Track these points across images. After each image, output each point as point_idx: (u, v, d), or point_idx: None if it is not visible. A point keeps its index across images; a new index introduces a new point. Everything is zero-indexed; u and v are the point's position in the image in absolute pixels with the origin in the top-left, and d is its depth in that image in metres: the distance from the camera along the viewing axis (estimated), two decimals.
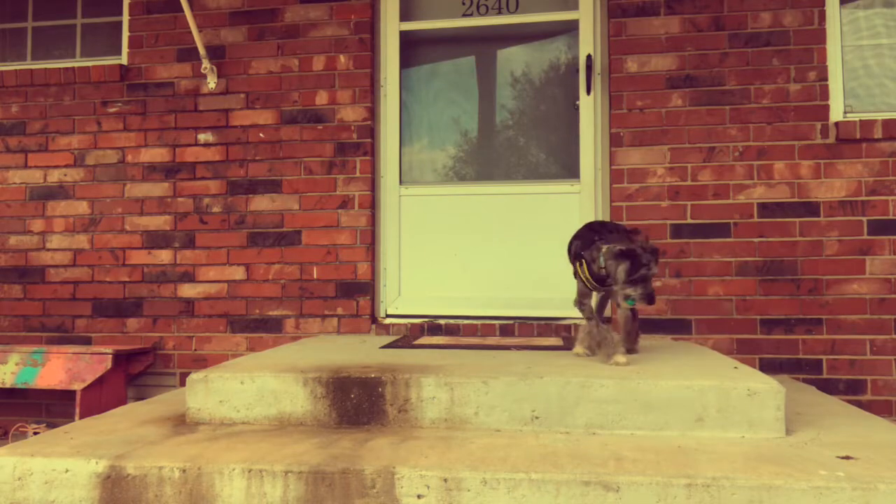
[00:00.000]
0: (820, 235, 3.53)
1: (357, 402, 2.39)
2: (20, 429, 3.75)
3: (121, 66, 4.10)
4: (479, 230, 3.92)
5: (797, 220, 3.56)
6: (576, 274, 2.77)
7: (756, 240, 3.57)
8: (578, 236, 2.83)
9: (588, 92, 3.83)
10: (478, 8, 3.99)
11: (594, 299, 2.91)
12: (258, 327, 3.92)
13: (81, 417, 3.31)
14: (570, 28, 3.92)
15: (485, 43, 4.06)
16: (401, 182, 4.01)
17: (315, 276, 3.89)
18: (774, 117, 3.59)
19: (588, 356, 2.79)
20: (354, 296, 3.85)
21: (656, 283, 3.11)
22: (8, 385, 3.72)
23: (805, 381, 3.46)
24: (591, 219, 3.80)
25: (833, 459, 1.95)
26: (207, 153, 4.02)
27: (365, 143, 3.90)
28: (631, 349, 2.82)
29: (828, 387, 3.40)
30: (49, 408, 4.04)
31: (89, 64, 4.15)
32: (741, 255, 3.58)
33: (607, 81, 3.80)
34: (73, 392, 3.60)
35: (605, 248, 2.60)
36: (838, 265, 3.52)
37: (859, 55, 3.66)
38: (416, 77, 4.09)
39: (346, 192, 3.90)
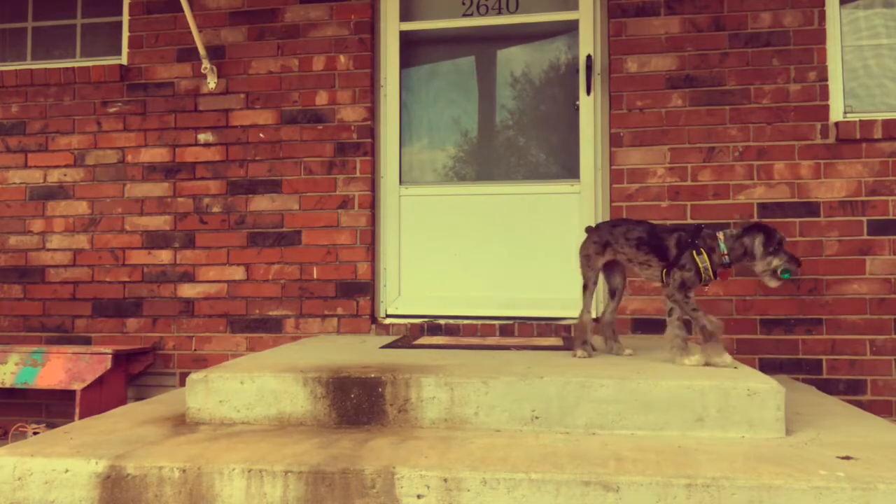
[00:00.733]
0: (820, 235, 3.53)
1: (357, 402, 2.39)
2: (20, 429, 3.75)
3: (121, 66, 4.10)
4: (480, 230, 3.92)
5: (797, 220, 3.56)
6: (684, 266, 2.60)
7: None
8: (672, 230, 2.71)
9: (588, 92, 3.83)
10: (478, 8, 3.99)
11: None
12: (258, 327, 3.92)
13: (81, 417, 3.31)
14: (570, 28, 3.92)
15: (485, 43, 4.06)
16: (401, 182, 4.01)
17: (315, 276, 3.89)
18: (774, 117, 3.59)
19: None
20: (354, 296, 3.85)
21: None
22: (8, 385, 3.72)
23: (805, 381, 3.46)
24: (591, 219, 3.81)
25: (833, 459, 1.95)
26: (207, 153, 4.02)
27: (365, 143, 3.90)
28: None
29: (828, 387, 3.40)
30: (49, 408, 4.04)
31: (89, 64, 4.15)
32: None
33: (607, 81, 3.80)
34: (73, 392, 3.60)
35: (722, 233, 2.57)
36: (838, 265, 3.52)
37: (859, 55, 3.66)
38: (416, 77, 4.09)
39: (346, 192, 3.90)
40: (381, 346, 3.22)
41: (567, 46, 3.95)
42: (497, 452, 2.03)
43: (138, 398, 3.77)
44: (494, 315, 3.82)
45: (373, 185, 3.93)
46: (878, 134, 3.49)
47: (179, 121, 4.06)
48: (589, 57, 3.82)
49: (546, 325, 3.73)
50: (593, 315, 3.77)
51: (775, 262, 2.51)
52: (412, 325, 3.83)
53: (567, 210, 3.84)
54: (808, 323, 3.51)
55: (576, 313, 3.77)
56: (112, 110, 4.12)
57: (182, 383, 3.78)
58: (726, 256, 2.57)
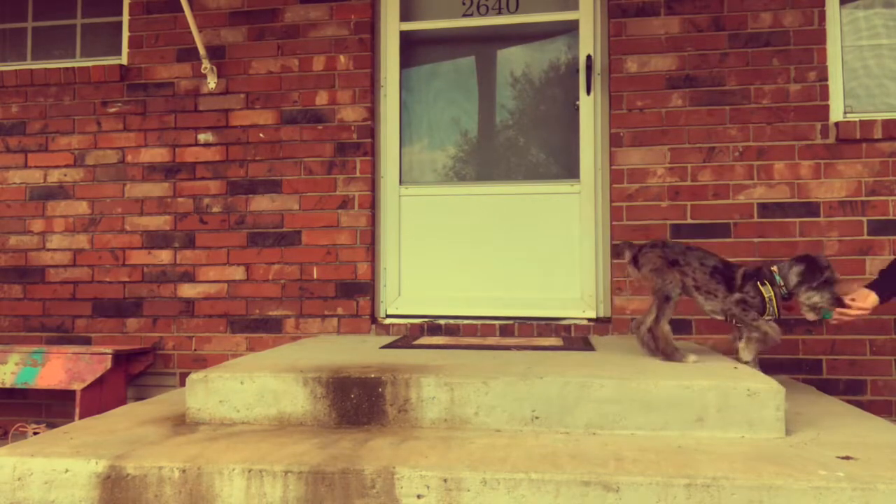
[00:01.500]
0: (820, 235, 3.53)
1: (357, 403, 2.39)
2: (20, 429, 3.75)
3: (121, 66, 4.10)
4: (479, 230, 3.92)
5: (797, 220, 3.56)
6: (748, 293, 2.71)
7: (756, 240, 3.57)
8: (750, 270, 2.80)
9: (588, 92, 3.83)
10: (478, 8, 3.99)
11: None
12: (258, 327, 3.92)
13: (81, 417, 3.31)
14: (570, 28, 3.92)
15: (485, 43, 4.06)
16: (401, 182, 4.01)
17: (315, 276, 3.89)
18: (774, 117, 3.59)
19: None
20: (354, 296, 3.85)
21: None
22: (8, 385, 3.72)
23: (805, 381, 3.46)
24: (591, 219, 3.81)
25: (833, 459, 1.95)
26: (207, 153, 4.02)
27: (365, 143, 3.90)
28: None
29: (828, 387, 3.40)
30: (49, 408, 4.04)
31: (89, 64, 4.15)
32: (741, 255, 3.57)
33: (607, 81, 3.80)
34: (73, 392, 3.60)
35: (776, 265, 2.68)
36: (838, 265, 3.50)
37: (859, 55, 3.66)
38: (416, 77, 4.09)
39: (346, 192, 3.90)
40: (381, 346, 3.22)
41: (567, 46, 3.96)
42: (497, 452, 2.03)
43: (138, 398, 3.77)
44: (494, 315, 3.82)
45: (373, 185, 3.93)
46: (878, 134, 3.49)
47: (179, 121, 4.06)
48: (589, 57, 3.82)
49: (546, 326, 3.73)
50: (594, 315, 3.79)
51: (815, 298, 2.57)
52: (412, 325, 3.83)
53: (567, 210, 3.84)
54: (808, 323, 3.51)
55: (575, 313, 3.78)
56: (112, 110, 4.12)
57: (182, 383, 3.78)
58: (783, 288, 2.64)
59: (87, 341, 4.04)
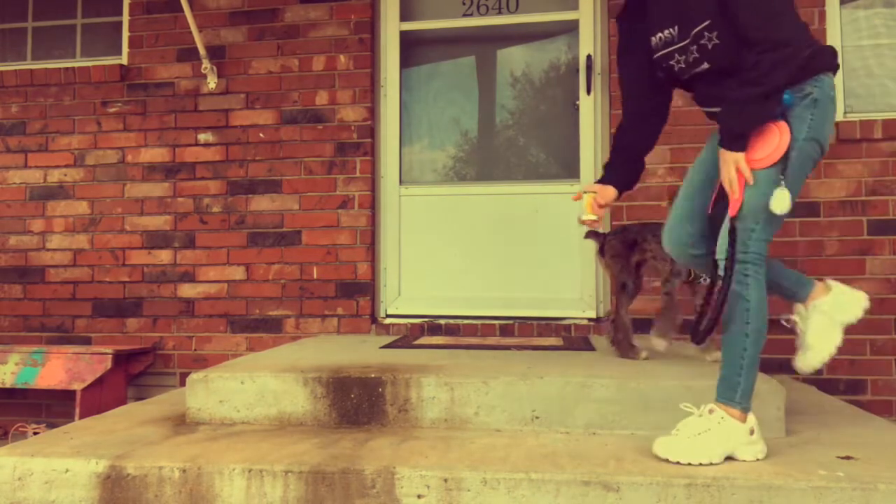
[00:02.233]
0: (820, 235, 3.53)
1: (357, 402, 2.39)
2: (20, 429, 3.75)
3: (121, 66, 4.10)
4: (480, 230, 3.92)
5: (797, 220, 3.55)
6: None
7: None
8: None
9: (588, 92, 3.83)
10: (478, 8, 3.99)
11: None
12: (258, 327, 3.92)
13: (81, 417, 3.31)
14: (570, 28, 3.92)
15: (485, 43, 4.06)
16: (401, 182, 4.01)
17: (315, 276, 3.89)
18: None
19: None
20: (354, 296, 3.85)
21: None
22: (8, 385, 3.72)
23: (805, 381, 3.46)
24: None
25: (833, 459, 1.95)
26: (207, 153, 4.02)
27: (365, 143, 3.90)
28: None
29: (828, 387, 3.39)
30: (49, 408, 4.04)
31: (89, 64, 4.15)
32: None
33: (607, 81, 3.80)
34: (73, 392, 3.60)
35: None
36: (838, 265, 3.51)
37: (859, 55, 3.66)
38: (416, 77, 4.09)
39: (346, 192, 3.90)
40: (381, 345, 3.22)
41: (567, 46, 3.95)
42: (497, 452, 2.03)
43: (138, 398, 3.77)
44: (494, 315, 3.82)
45: (373, 185, 3.93)
46: (878, 134, 3.49)
47: (179, 121, 4.05)
48: (589, 57, 3.82)
49: (546, 325, 3.73)
50: (594, 315, 3.79)
51: None
52: (412, 325, 3.83)
53: (567, 210, 3.84)
54: None
55: (576, 313, 3.78)
56: (112, 110, 4.12)
57: (182, 383, 3.77)
58: None
59: (87, 341, 4.04)
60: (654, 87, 2.28)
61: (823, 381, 3.45)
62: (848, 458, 1.96)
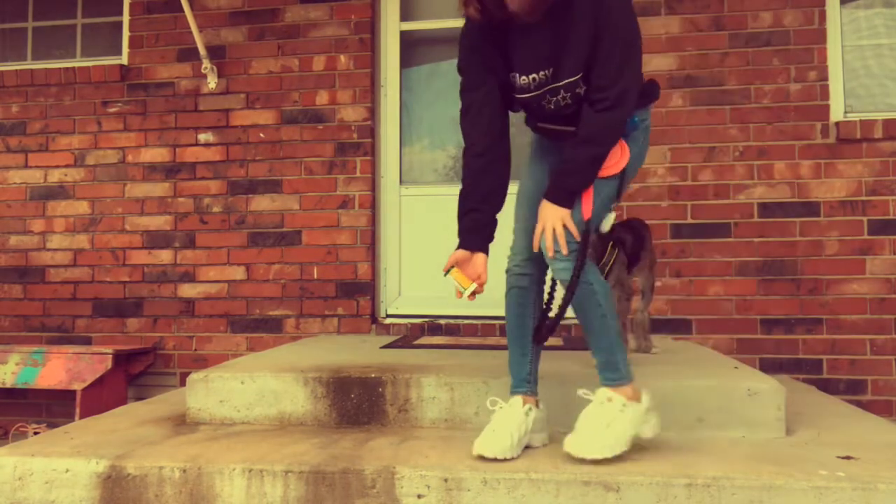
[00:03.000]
0: (820, 235, 3.53)
1: (357, 402, 2.39)
2: (20, 429, 3.75)
3: (121, 66, 4.10)
4: None
5: (797, 220, 3.56)
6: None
7: (756, 240, 3.57)
8: None
9: None
10: None
11: None
12: (258, 327, 3.92)
13: (81, 417, 3.31)
14: None
15: None
16: (401, 182, 4.01)
17: (315, 276, 3.89)
18: (775, 117, 3.59)
19: None
20: (354, 296, 3.85)
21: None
22: (8, 385, 3.72)
23: (805, 381, 3.46)
24: None
25: (833, 459, 1.94)
26: (207, 153, 4.02)
27: (365, 143, 3.90)
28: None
29: (828, 387, 3.40)
30: (49, 408, 4.04)
31: (89, 64, 4.15)
32: (741, 255, 3.58)
33: None
34: (74, 392, 3.60)
35: None
36: (838, 265, 3.52)
37: (859, 55, 3.66)
38: (416, 77, 4.09)
39: (347, 192, 3.90)
40: (381, 345, 3.22)
41: None
42: None
43: (138, 398, 3.77)
44: (495, 315, 3.81)
45: (373, 185, 3.93)
46: (878, 134, 3.49)
47: (180, 121, 4.05)
48: None
49: None
50: None
51: None
52: (412, 324, 3.83)
53: None
54: (809, 323, 3.51)
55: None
56: (112, 110, 4.12)
57: (182, 383, 3.77)
58: None
59: (87, 341, 4.04)
60: (503, 116, 2.08)
61: (824, 380, 3.45)
62: (848, 458, 1.96)
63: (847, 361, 3.48)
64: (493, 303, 3.85)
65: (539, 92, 1.98)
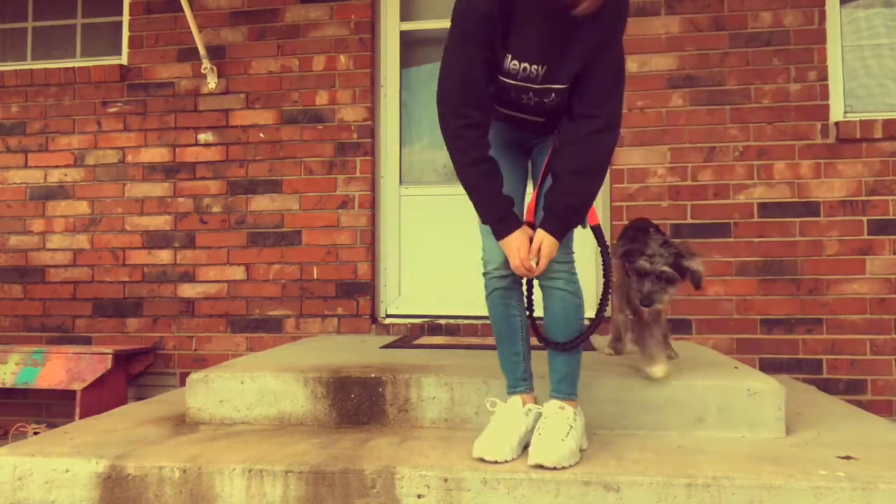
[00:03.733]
0: (820, 235, 3.53)
1: (357, 402, 2.39)
2: (20, 429, 3.75)
3: (121, 66, 4.10)
4: (479, 230, 3.91)
5: (797, 219, 3.56)
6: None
7: (756, 240, 3.57)
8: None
9: None
10: None
11: None
12: (258, 327, 3.92)
13: (81, 417, 3.31)
14: None
15: None
16: (401, 182, 4.01)
17: (315, 276, 3.89)
18: (775, 117, 3.59)
19: None
20: (354, 296, 3.85)
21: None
22: (8, 385, 3.72)
23: (805, 380, 3.46)
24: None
25: (833, 459, 1.95)
26: (207, 153, 4.02)
27: (365, 143, 3.90)
28: None
29: (828, 387, 3.40)
30: (49, 408, 4.04)
31: (89, 64, 4.15)
32: (741, 255, 3.58)
33: None
34: (74, 392, 3.60)
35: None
36: (838, 265, 3.51)
37: (859, 55, 3.66)
38: (416, 77, 4.09)
39: (347, 192, 3.90)
40: (381, 345, 3.22)
41: None
42: None
43: (138, 398, 3.77)
44: None
45: (373, 185, 3.93)
46: (878, 134, 3.49)
47: (179, 121, 4.05)
48: None
49: None
50: (594, 315, 3.77)
51: None
52: (412, 325, 3.83)
53: None
54: (809, 323, 3.51)
55: None
56: (112, 110, 4.12)
57: (182, 383, 3.77)
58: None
59: (87, 341, 4.04)
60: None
61: (823, 380, 3.45)
62: (848, 458, 1.96)
63: (847, 361, 3.48)
64: None
65: (523, 84, 1.93)
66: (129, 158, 4.09)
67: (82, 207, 4.11)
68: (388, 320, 3.90)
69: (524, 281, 2.10)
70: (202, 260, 3.98)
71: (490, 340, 3.40)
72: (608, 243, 2.11)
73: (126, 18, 4.17)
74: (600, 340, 3.39)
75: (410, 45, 4.08)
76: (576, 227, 2.00)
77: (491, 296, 2.10)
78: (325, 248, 3.89)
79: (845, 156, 3.54)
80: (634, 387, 2.29)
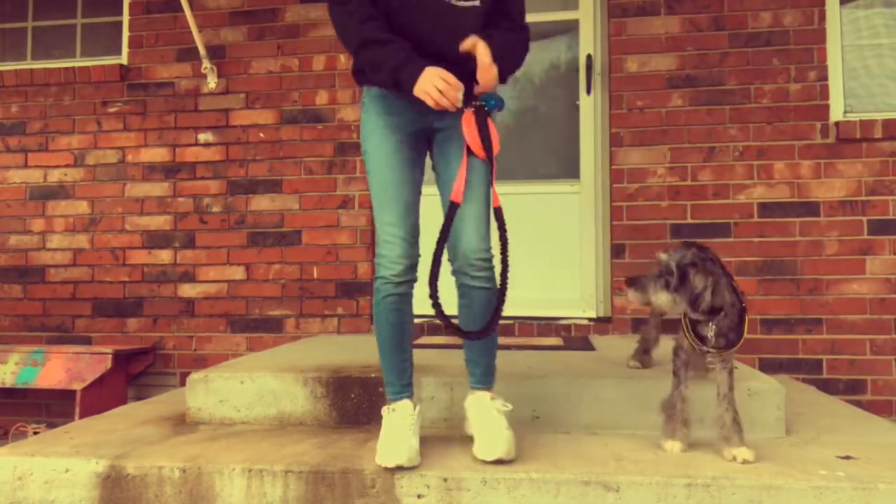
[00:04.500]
0: (820, 235, 3.53)
1: (357, 402, 2.39)
2: (20, 429, 3.75)
3: (121, 66, 4.10)
4: None
5: (797, 219, 3.56)
6: None
7: (756, 240, 3.57)
8: None
9: (588, 92, 3.83)
10: None
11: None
12: (258, 327, 3.92)
13: (81, 417, 3.31)
14: (571, 28, 3.92)
15: None
16: None
17: (315, 276, 3.88)
18: (774, 117, 3.59)
19: None
20: (354, 296, 3.85)
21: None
22: (8, 385, 3.72)
23: (805, 381, 3.46)
24: (591, 219, 3.81)
25: (833, 459, 1.95)
26: (207, 153, 4.02)
27: None
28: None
29: (828, 387, 3.40)
30: (49, 408, 4.04)
31: (89, 64, 4.15)
32: (741, 255, 3.57)
33: (607, 81, 3.80)
34: (73, 392, 3.60)
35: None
36: (838, 265, 3.51)
37: (859, 55, 3.66)
38: None
39: (347, 191, 3.89)
40: None
41: (567, 46, 3.95)
42: None
43: (138, 398, 3.77)
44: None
45: None
46: (878, 133, 3.49)
47: (179, 120, 4.05)
48: (589, 56, 3.82)
49: (546, 325, 3.73)
50: (594, 315, 3.78)
51: None
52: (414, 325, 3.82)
53: (567, 210, 3.84)
54: (808, 323, 3.51)
55: (576, 313, 3.78)
56: (112, 110, 4.12)
57: (182, 383, 3.77)
58: None
59: (87, 341, 4.04)
60: None
61: (823, 380, 3.45)
62: (848, 458, 1.96)
63: (847, 361, 3.48)
64: None
65: None
66: (129, 158, 4.09)
67: (82, 207, 4.11)
68: None
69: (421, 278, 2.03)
70: (202, 260, 3.98)
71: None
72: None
73: (126, 18, 4.17)
74: (601, 341, 3.39)
75: None
76: (500, 80, 1.94)
77: (384, 302, 2.01)
78: (325, 248, 3.89)
79: (845, 156, 3.54)
80: (634, 387, 2.29)
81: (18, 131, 4.19)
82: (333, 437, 2.23)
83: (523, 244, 3.87)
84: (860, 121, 3.51)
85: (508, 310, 3.94)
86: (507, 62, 1.98)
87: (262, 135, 3.98)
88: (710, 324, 1.93)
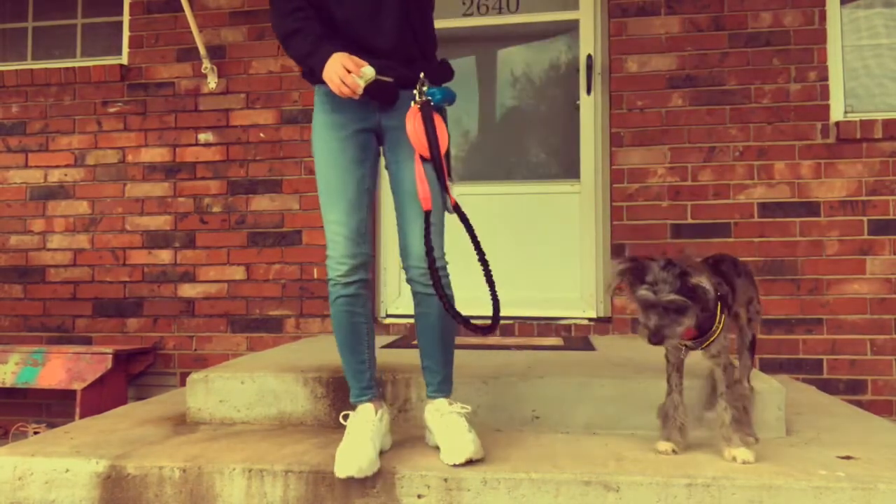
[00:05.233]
0: (820, 235, 3.53)
1: None
2: (20, 428, 3.75)
3: (121, 66, 4.10)
4: (479, 230, 3.88)
5: (797, 220, 3.56)
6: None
7: (756, 240, 3.57)
8: None
9: (588, 92, 3.83)
10: (478, 8, 3.99)
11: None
12: (258, 327, 3.92)
13: (81, 417, 3.31)
14: (571, 28, 3.92)
15: (485, 43, 4.06)
16: None
17: (315, 276, 3.88)
18: (775, 117, 3.59)
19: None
20: None
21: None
22: (8, 385, 3.72)
23: (805, 381, 3.46)
24: (591, 219, 3.81)
25: (833, 459, 1.95)
26: (208, 153, 4.02)
27: None
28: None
29: (828, 387, 3.40)
30: (49, 408, 4.04)
31: (89, 64, 4.15)
32: (741, 255, 3.55)
33: (607, 81, 3.80)
34: (74, 392, 3.60)
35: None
36: (838, 265, 3.51)
37: (859, 55, 3.66)
38: None
39: None
40: (381, 345, 3.22)
41: (567, 46, 3.95)
42: (497, 452, 2.03)
43: (139, 398, 3.76)
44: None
45: None
46: (878, 134, 3.49)
47: (180, 120, 4.05)
48: (589, 56, 3.82)
49: (546, 325, 3.73)
50: (594, 315, 3.78)
51: None
52: (412, 324, 3.82)
53: (567, 210, 3.84)
54: (809, 323, 3.51)
55: (576, 313, 3.78)
56: (112, 110, 4.12)
57: (182, 383, 3.77)
58: None
59: (87, 341, 4.04)
60: None
61: (823, 381, 3.45)
62: (848, 458, 1.96)
63: (847, 361, 3.48)
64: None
65: None
66: (130, 158, 4.09)
67: (82, 207, 4.11)
68: (388, 320, 3.90)
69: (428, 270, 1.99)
70: (202, 260, 3.98)
71: (490, 340, 3.41)
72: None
73: (126, 18, 4.17)
74: (601, 341, 3.39)
75: None
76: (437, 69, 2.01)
77: (336, 303, 2.00)
78: (325, 248, 3.88)
79: (845, 156, 3.54)
80: (634, 387, 2.29)
81: (19, 131, 4.19)
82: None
83: (523, 244, 3.87)
84: (860, 121, 3.51)
85: (508, 310, 3.94)
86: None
87: (262, 135, 3.98)
88: None
